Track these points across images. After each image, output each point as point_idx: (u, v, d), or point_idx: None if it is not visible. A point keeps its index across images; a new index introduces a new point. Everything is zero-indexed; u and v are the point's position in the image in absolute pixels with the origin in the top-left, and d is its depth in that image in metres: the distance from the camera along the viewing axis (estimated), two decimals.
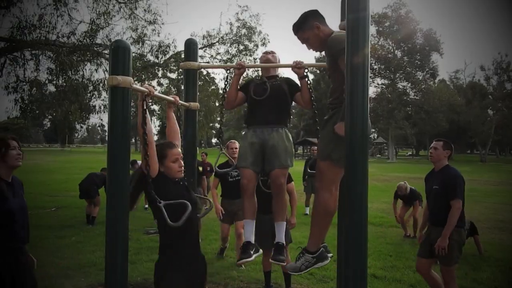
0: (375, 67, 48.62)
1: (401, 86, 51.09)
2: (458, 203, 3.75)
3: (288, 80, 3.41)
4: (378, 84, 50.77)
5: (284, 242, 3.26)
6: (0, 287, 2.55)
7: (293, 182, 4.86)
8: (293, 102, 3.37)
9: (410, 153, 73.70)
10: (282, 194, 3.28)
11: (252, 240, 3.19)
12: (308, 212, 10.15)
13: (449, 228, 3.70)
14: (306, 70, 3.18)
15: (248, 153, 3.20)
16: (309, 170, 3.45)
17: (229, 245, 6.16)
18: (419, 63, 49.93)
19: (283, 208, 3.34)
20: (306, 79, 3.16)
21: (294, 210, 4.90)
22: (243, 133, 3.49)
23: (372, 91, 50.24)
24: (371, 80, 42.23)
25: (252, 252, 3.12)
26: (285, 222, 3.34)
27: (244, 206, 3.28)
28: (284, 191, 3.34)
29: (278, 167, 3.17)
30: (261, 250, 3.34)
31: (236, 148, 5.30)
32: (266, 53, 3.49)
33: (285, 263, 3.37)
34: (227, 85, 3.34)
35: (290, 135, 3.35)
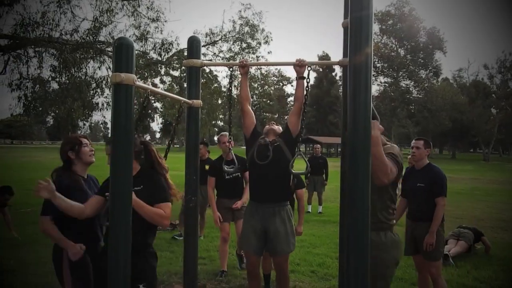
0: (378, 65, 48.55)
1: (404, 85, 51.00)
2: (443, 200, 3.91)
3: (282, 131, 3.59)
4: (381, 82, 50.69)
5: None
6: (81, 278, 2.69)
7: (303, 188, 4.76)
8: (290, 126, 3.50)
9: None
10: (285, 279, 3.50)
11: None
12: (310, 210, 10.16)
13: (436, 224, 3.85)
14: (308, 69, 3.17)
15: (252, 237, 3.36)
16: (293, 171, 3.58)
17: (231, 243, 6.16)
18: (422, 61, 49.81)
19: None
20: (305, 80, 3.17)
21: (301, 218, 4.74)
22: (246, 208, 3.67)
23: (375, 89, 50.17)
24: (374, 78, 42.18)
25: None
26: None
27: (250, 285, 3.52)
28: (287, 277, 3.55)
29: (280, 254, 3.36)
30: None
31: (229, 141, 5.09)
32: (270, 124, 3.73)
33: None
34: (232, 83, 3.37)
35: (290, 213, 3.49)
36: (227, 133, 5.20)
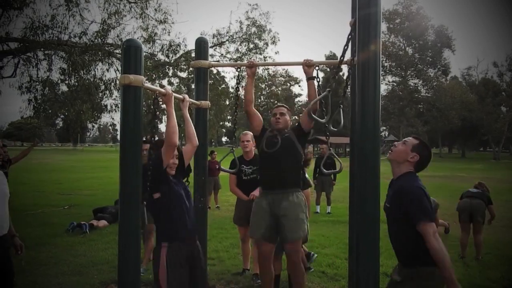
0: (386, 64, 48.28)
1: (412, 83, 50.71)
2: (429, 226, 2.24)
3: (294, 126, 3.55)
4: (389, 81, 50.44)
5: None
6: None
7: (310, 189, 4.69)
8: (302, 124, 3.46)
9: None
10: (298, 272, 3.41)
11: None
12: (319, 211, 10.11)
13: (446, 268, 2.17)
14: (316, 68, 3.18)
15: (262, 224, 3.34)
16: (324, 170, 3.53)
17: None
18: (430, 60, 49.49)
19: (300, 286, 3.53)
20: (315, 80, 3.18)
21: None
22: (256, 197, 3.60)
23: (383, 88, 49.92)
24: (382, 77, 41.86)
25: None
26: None
27: (261, 278, 3.49)
28: (300, 270, 3.47)
29: (290, 241, 3.29)
30: None
31: (248, 141, 4.64)
32: (277, 107, 3.67)
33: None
34: (239, 84, 3.39)
35: (302, 198, 3.42)
36: (250, 132, 4.85)
